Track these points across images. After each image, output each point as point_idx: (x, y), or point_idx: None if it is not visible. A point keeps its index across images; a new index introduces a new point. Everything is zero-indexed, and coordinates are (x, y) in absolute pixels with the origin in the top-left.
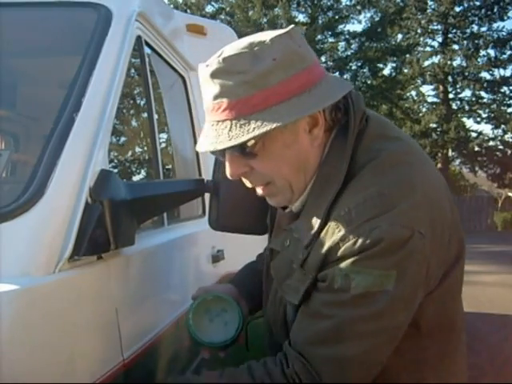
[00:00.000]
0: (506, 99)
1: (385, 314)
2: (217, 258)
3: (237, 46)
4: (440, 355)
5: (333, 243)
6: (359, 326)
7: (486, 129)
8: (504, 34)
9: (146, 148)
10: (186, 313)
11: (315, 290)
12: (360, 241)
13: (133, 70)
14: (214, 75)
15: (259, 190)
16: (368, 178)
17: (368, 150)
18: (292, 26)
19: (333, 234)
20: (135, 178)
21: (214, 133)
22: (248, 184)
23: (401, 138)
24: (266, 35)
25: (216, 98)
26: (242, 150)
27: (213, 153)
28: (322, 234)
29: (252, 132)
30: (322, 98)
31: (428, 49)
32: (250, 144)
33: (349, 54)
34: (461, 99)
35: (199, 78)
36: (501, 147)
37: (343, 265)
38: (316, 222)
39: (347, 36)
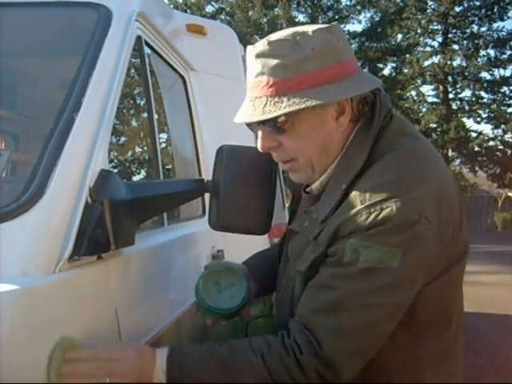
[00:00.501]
0: (506, 99)
1: (388, 289)
2: (217, 258)
3: (283, 33)
4: (435, 349)
5: (344, 219)
6: (363, 299)
7: (486, 129)
8: (504, 34)
9: (145, 148)
10: (197, 280)
11: (323, 265)
12: (370, 218)
13: (133, 70)
14: (258, 55)
15: (283, 165)
16: (385, 166)
17: (388, 143)
18: (334, 23)
19: (346, 210)
20: (135, 178)
21: (251, 107)
22: (274, 157)
23: (418, 136)
24: (310, 27)
25: (257, 75)
26: (273, 125)
27: (248, 126)
28: (337, 212)
29: (283, 109)
30: (351, 89)
31: (428, 49)
32: (280, 120)
33: None
34: (461, 99)
35: (247, 58)
36: (501, 147)
37: (353, 240)
38: (333, 201)
39: (347, 36)
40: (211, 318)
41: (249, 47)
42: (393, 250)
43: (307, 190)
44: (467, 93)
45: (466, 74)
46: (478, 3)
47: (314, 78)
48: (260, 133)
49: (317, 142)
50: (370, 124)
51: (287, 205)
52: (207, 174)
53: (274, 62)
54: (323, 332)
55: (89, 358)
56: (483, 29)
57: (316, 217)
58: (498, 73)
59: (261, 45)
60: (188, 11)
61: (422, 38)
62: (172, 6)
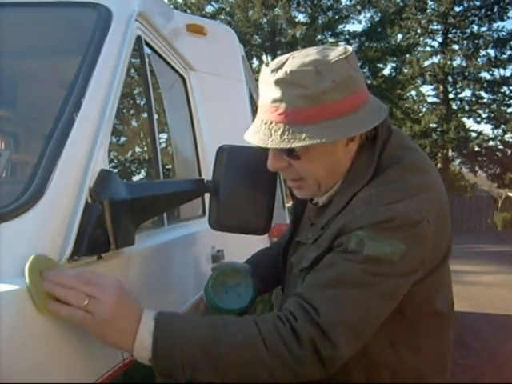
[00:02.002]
0: (506, 99)
1: (387, 277)
2: (217, 257)
3: (303, 60)
4: (428, 346)
5: (350, 218)
6: (363, 277)
7: (486, 129)
8: (504, 34)
9: (146, 148)
10: (206, 282)
11: (328, 254)
12: (376, 216)
13: (133, 70)
14: (278, 82)
15: (290, 182)
16: (390, 176)
17: (390, 156)
18: (350, 49)
19: (351, 210)
20: (135, 178)
21: (267, 131)
22: (282, 175)
23: (416, 148)
24: (329, 54)
25: (275, 101)
26: (288, 151)
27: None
28: (339, 215)
29: (303, 141)
30: (364, 123)
31: (428, 49)
32: (297, 148)
33: None
34: (461, 99)
35: (261, 76)
36: (501, 147)
37: (359, 231)
38: (335, 209)
39: (347, 36)
40: None
41: (266, 69)
42: (396, 245)
43: (313, 201)
44: (467, 93)
45: (466, 74)
46: (477, 3)
47: (331, 109)
48: (272, 154)
49: (326, 166)
50: (374, 142)
51: (287, 205)
52: (207, 174)
53: (295, 91)
54: (321, 302)
55: (75, 274)
56: (483, 29)
57: (327, 226)
58: (498, 73)
59: (282, 72)
60: (188, 11)
61: (422, 38)
62: (172, 6)
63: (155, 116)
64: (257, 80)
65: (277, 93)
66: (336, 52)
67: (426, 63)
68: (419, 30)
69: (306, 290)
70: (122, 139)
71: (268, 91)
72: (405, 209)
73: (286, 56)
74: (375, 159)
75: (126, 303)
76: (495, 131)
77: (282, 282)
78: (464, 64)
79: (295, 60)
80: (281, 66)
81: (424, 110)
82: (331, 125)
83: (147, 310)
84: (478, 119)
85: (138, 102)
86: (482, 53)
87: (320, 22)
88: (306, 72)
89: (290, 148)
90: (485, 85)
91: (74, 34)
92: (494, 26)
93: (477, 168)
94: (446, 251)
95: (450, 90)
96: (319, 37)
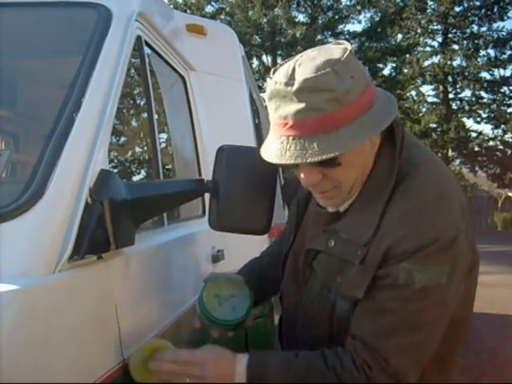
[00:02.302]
0: (506, 99)
1: (440, 304)
2: (217, 257)
3: (314, 64)
4: (442, 347)
5: (392, 242)
6: (420, 317)
7: (486, 129)
8: (504, 34)
9: (146, 148)
10: (200, 293)
11: (376, 288)
12: (420, 239)
13: (133, 70)
14: (299, 93)
15: (320, 194)
16: (417, 184)
17: (407, 156)
18: (346, 43)
19: (391, 232)
20: (135, 178)
21: (300, 146)
22: (315, 190)
23: (423, 146)
24: (333, 52)
25: (300, 113)
26: (327, 161)
27: (279, 164)
28: (381, 233)
29: (348, 144)
30: (389, 110)
31: (428, 49)
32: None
33: None
34: (461, 99)
35: (268, 95)
36: (501, 147)
37: (405, 263)
38: (372, 222)
39: (347, 36)
40: (216, 330)
41: (276, 84)
42: (441, 269)
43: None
44: (467, 93)
45: (466, 74)
46: (477, 3)
47: (358, 105)
48: (305, 170)
49: (360, 165)
50: (392, 137)
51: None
52: (207, 174)
53: (321, 97)
54: (388, 351)
55: (173, 359)
56: (483, 29)
57: (347, 237)
58: (498, 73)
59: (299, 82)
60: (188, 11)
61: (422, 38)
62: (172, 6)
63: (155, 116)
64: (257, 80)
65: (300, 104)
66: (339, 49)
67: (426, 63)
68: (419, 30)
69: (372, 340)
70: (122, 139)
71: (287, 105)
72: (443, 225)
73: (288, 66)
74: (396, 160)
75: (223, 370)
76: (495, 131)
77: (283, 290)
78: (464, 64)
79: (306, 66)
80: (292, 77)
81: (424, 110)
82: (365, 120)
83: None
84: (478, 119)
85: (138, 102)
86: (482, 53)
87: (320, 21)
88: (326, 75)
89: (335, 157)
90: (485, 85)
91: (74, 34)
92: (494, 26)
93: (477, 168)
94: (472, 262)
95: (450, 90)
96: (319, 37)
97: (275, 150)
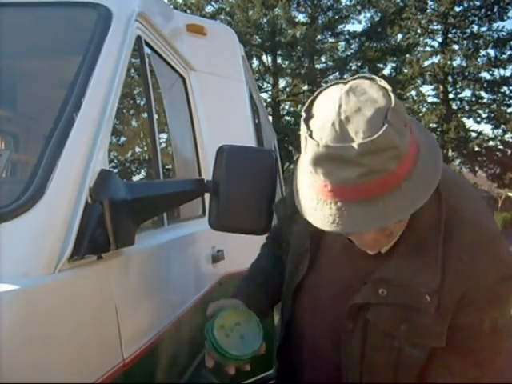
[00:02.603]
0: (506, 99)
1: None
2: (217, 257)
3: (363, 118)
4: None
5: (467, 288)
6: (499, 353)
7: (486, 129)
8: (504, 33)
9: (146, 148)
10: (207, 332)
11: (457, 335)
12: (493, 281)
13: (133, 70)
14: (360, 157)
15: (370, 244)
16: (466, 224)
17: (446, 193)
18: (377, 78)
19: (463, 277)
20: (135, 178)
21: (362, 211)
22: (374, 246)
23: (450, 170)
24: (374, 94)
25: (361, 178)
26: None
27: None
28: (449, 279)
29: (417, 202)
30: (433, 147)
31: (428, 49)
32: None
33: (349, 54)
34: (461, 99)
35: (314, 159)
36: (501, 147)
37: (486, 310)
38: (433, 267)
39: (347, 36)
40: (233, 366)
41: (324, 150)
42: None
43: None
44: (467, 93)
45: (466, 74)
46: (477, 3)
47: (412, 153)
48: (366, 234)
49: None
50: None
51: None
52: (207, 174)
53: (384, 156)
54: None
55: None
56: (483, 29)
57: (404, 284)
58: (498, 73)
59: (358, 145)
60: (188, 11)
61: (422, 38)
62: (172, 6)
63: (155, 116)
64: (257, 80)
65: (362, 168)
66: (378, 90)
67: (426, 63)
68: (419, 30)
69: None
70: (122, 139)
71: (344, 170)
72: (506, 257)
73: (332, 122)
74: (443, 199)
75: None
76: (495, 131)
77: (298, 334)
78: (464, 64)
79: (357, 122)
80: (346, 138)
81: (424, 110)
82: (421, 169)
83: None
84: (478, 119)
85: (138, 102)
86: (482, 53)
87: (320, 22)
88: (386, 132)
89: None
90: (485, 85)
91: (74, 34)
92: (494, 26)
93: (477, 168)
94: None
95: (450, 90)
96: (319, 37)
97: (332, 217)
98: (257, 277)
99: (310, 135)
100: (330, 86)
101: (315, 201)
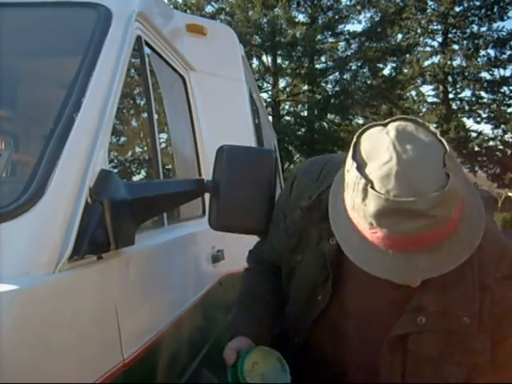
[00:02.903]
0: (506, 99)
1: None
2: (217, 257)
3: (426, 167)
4: None
5: (504, 303)
6: None
7: (486, 129)
8: (504, 33)
9: (146, 148)
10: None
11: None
12: None
13: (133, 70)
14: (429, 209)
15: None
16: (489, 243)
17: None
18: (421, 121)
19: (500, 295)
20: (135, 178)
21: (427, 258)
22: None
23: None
24: (425, 139)
25: (428, 227)
26: None
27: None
28: (488, 299)
29: (475, 242)
30: (468, 180)
31: (428, 49)
32: None
33: (349, 54)
34: (461, 99)
35: (377, 212)
36: (501, 147)
37: None
38: (469, 290)
39: (347, 36)
40: None
41: (390, 204)
42: None
43: None
44: (467, 93)
45: (466, 74)
46: (477, 3)
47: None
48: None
49: None
50: None
51: None
52: (207, 174)
53: (451, 206)
54: None
55: None
56: (483, 29)
57: (442, 310)
58: (498, 73)
59: (426, 199)
60: (188, 11)
61: (421, 38)
62: (172, 6)
63: (155, 116)
64: (257, 80)
65: (430, 218)
66: (428, 134)
67: (426, 63)
68: (419, 30)
69: None
70: (122, 139)
71: (411, 221)
72: None
73: (396, 174)
74: None
75: None
76: (495, 131)
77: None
78: (464, 64)
79: (422, 173)
80: (411, 190)
81: (424, 110)
82: (467, 207)
83: None
84: (478, 119)
85: (138, 102)
86: (482, 53)
87: (320, 22)
88: (452, 184)
89: None
90: (485, 85)
91: (74, 34)
92: (494, 26)
93: (477, 168)
94: None
95: (450, 89)
96: (319, 37)
97: (395, 266)
98: (257, 310)
99: (372, 187)
100: (368, 128)
101: (372, 251)
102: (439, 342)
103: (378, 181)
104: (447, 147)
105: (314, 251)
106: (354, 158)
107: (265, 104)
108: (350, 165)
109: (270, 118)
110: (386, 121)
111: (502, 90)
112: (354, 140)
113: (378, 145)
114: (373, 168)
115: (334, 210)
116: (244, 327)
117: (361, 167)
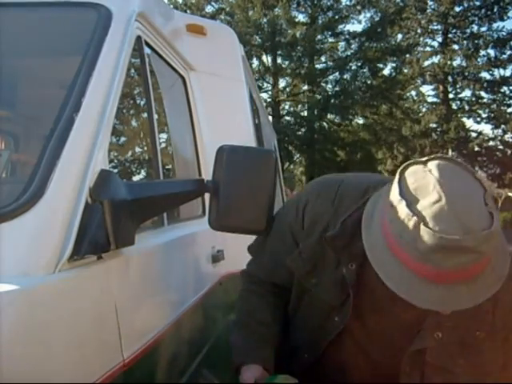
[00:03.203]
0: (506, 99)
1: None
2: (217, 257)
3: (473, 207)
4: None
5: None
6: None
7: (486, 129)
8: (504, 34)
9: (146, 148)
10: None
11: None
12: None
13: (133, 70)
14: (479, 246)
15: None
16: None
17: None
18: (461, 163)
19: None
20: (135, 178)
21: (468, 289)
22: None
23: None
24: (463, 177)
25: (474, 261)
26: None
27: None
28: (501, 311)
29: (504, 270)
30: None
31: (428, 49)
32: None
33: (349, 54)
34: (461, 99)
35: (431, 248)
36: (501, 147)
37: None
38: (485, 308)
39: (347, 36)
40: None
41: (444, 242)
42: None
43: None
44: (467, 93)
45: (466, 73)
46: (477, 3)
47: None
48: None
49: None
50: None
51: None
52: (207, 174)
53: (493, 242)
54: None
55: None
56: (483, 29)
57: (455, 324)
58: (498, 73)
59: (478, 238)
60: (188, 11)
61: (421, 38)
62: (172, 6)
63: (155, 116)
64: (257, 80)
65: (477, 253)
66: (465, 173)
67: (426, 63)
68: (419, 30)
69: None
70: (122, 139)
71: (460, 256)
72: None
73: (447, 213)
74: None
75: None
76: (495, 131)
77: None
78: (464, 64)
79: (471, 213)
80: (464, 229)
81: (424, 110)
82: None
83: None
84: (478, 119)
85: (138, 102)
86: (482, 53)
87: (320, 21)
88: (495, 223)
89: None
90: (485, 85)
91: (74, 34)
92: (494, 26)
93: (477, 168)
94: None
95: (450, 89)
96: (319, 37)
97: (439, 298)
98: (263, 334)
99: (425, 225)
100: (409, 165)
101: (417, 283)
102: (453, 354)
103: (430, 219)
104: (485, 186)
105: (332, 275)
106: (401, 194)
107: (265, 104)
108: (397, 201)
109: (270, 118)
110: (425, 159)
111: (502, 90)
112: (398, 177)
113: (424, 183)
114: (423, 206)
115: (370, 242)
116: (253, 353)
117: (411, 205)
